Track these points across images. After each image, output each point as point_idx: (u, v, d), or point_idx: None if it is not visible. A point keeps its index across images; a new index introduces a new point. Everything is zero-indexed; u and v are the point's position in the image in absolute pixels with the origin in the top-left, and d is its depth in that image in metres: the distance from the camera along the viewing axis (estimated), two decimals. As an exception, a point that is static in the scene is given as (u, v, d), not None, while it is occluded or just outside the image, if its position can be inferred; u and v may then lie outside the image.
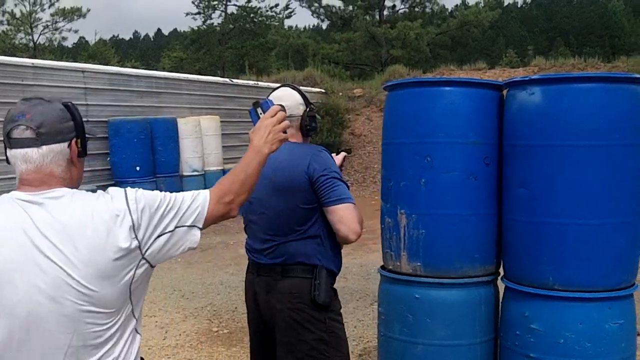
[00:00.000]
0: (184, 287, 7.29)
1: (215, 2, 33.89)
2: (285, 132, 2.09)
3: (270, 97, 2.91)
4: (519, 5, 68.39)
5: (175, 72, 18.22)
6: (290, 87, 2.93)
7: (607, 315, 3.01)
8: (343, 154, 3.59)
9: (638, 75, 3.07)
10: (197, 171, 11.11)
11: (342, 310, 5.84)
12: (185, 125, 11.03)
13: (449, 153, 3.24)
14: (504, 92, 3.36)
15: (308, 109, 2.85)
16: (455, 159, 3.24)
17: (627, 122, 3.00)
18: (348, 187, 2.74)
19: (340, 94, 17.03)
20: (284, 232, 2.72)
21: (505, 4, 62.49)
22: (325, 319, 2.69)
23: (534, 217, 3.06)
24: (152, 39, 79.08)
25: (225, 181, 1.94)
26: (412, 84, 3.44)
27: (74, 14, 33.65)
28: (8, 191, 1.78)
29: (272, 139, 2.04)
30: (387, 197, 3.47)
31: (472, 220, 3.27)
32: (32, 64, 9.50)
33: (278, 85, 3.19)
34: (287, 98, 2.82)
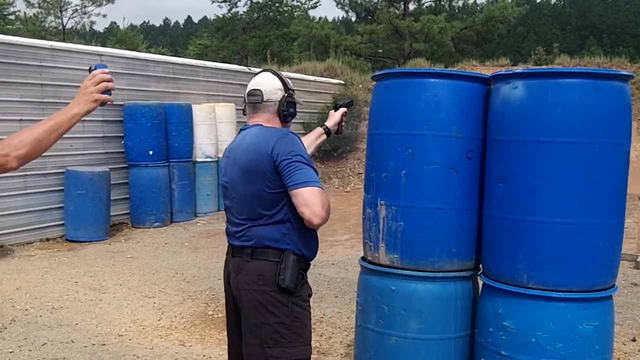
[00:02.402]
0: (186, 271, 7.35)
1: (242, -9, 34.05)
2: (109, 93, 2.15)
3: (250, 82, 2.91)
4: (551, 2, 67.41)
5: (200, 59, 18.26)
6: (271, 72, 2.92)
7: (582, 317, 2.95)
8: (342, 110, 3.51)
9: (624, 72, 3.00)
10: (210, 157, 11.13)
11: (338, 300, 5.84)
12: (200, 112, 11.05)
13: (431, 146, 3.20)
14: (492, 85, 3.31)
15: (287, 95, 2.85)
16: (436, 152, 3.20)
17: (611, 120, 2.94)
18: (316, 171, 2.71)
19: (360, 85, 16.93)
20: (253, 217, 2.73)
21: (538, 0, 61.71)
22: (289, 304, 2.70)
23: (511, 213, 3.02)
24: (182, 26, 79.47)
25: (12, 135, 2.04)
26: (397, 74, 3.40)
27: (103, -1, 33.95)
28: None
29: (85, 100, 2.11)
30: (369, 187, 3.44)
31: (451, 215, 3.23)
32: (50, 46, 9.57)
33: (259, 70, 3.19)
34: (265, 83, 2.85)
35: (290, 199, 2.66)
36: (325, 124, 3.49)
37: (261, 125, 2.83)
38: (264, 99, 2.83)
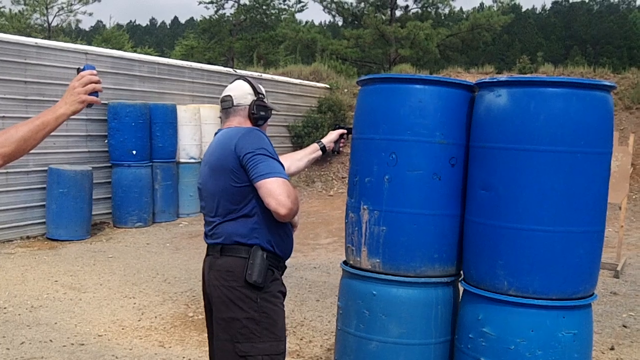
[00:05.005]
0: (167, 272, 7.32)
1: (229, -8, 33.89)
2: (96, 94, 2.18)
3: (225, 89, 2.99)
4: (537, 12, 67.98)
5: (186, 60, 18.22)
6: (243, 80, 3.05)
7: (561, 324, 2.97)
8: (340, 130, 3.59)
9: (607, 82, 3.03)
10: (194, 158, 11.10)
11: (319, 304, 5.83)
12: (185, 113, 11.03)
13: (415, 151, 3.21)
14: (476, 93, 3.33)
15: (257, 99, 2.94)
16: (420, 158, 3.21)
17: (593, 129, 2.96)
18: (282, 164, 2.76)
19: (346, 90, 16.95)
20: (222, 213, 2.79)
21: (524, 9, 62.17)
22: (257, 299, 2.73)
23: (492, 220, 3.03)
24: (168, 27, 79.22)
25: None
26: (383, 79, 3.41)
27: (89, -3, 33.70)
28: None
29: (72, 101, 2.12)
30: (352, 192, 3.45)
31: (433, 220, 3.24)
32: (35, 43, 9.50)
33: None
34: (236, 89, 2.98)
35: (257, 194, 2.71)
36: (322, 140, 3.55)
37: (231, 127, 2.91)
38: (234, 104, 2.94)
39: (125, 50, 20.90)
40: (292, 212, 2.68)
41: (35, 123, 2.06)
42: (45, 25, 34.59)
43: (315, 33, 29.32)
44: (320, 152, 3.52)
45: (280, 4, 33.87)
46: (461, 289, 3.36)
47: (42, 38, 18.33)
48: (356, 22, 30.48)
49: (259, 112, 2.93)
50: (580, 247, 2.98)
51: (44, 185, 9.12)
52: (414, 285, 3.26)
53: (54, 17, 34.93)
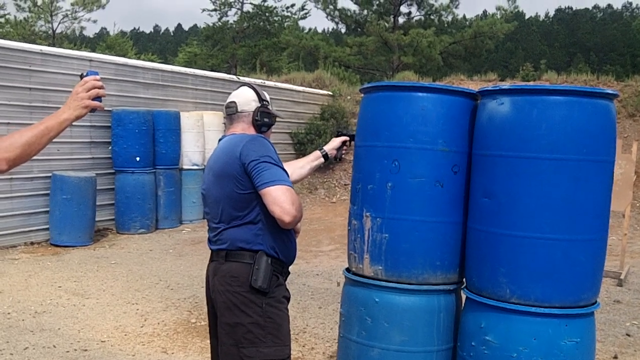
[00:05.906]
0: (170, 278, 7.33)
1: (232, 0, 33.91)
2: (100, 99, 2.20)
3: (230, 96, 3.01)
4: (540, 19, 68.06)
5: (189, 67, 18.25)
6: (248, 86, 3.07)
7: (563, 332, 2.97)
8: (342, 138, 3.60)
9: (609, 91, 3.03)
10: (197, 165, 11.12)
11: (321, 311, 5.83)
12: (188, 119, 11.06)
13: (417, 159, 3.23)
14: (479, 100, 3.34)
15: (260, 105, 2.97)
16: (422, 165, 3.22)
17: (595, 137, 2.97)
18: (286, 172, 2.77)
19: (349, 97, 16.97)
20: (226, 219, 2.81)
21: (527, 17, 62.24)
22: (262, 304, 2.74)
23: (494, 227, 3.04)
24: (172, 34, 79.46)
25: (2, 137, 2.06)
26: (385, 87, 3.42)
27: (93, 4, 33.75)
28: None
29: (76, 106, 2.14)
30: (355, 199, 3.46)
31: (435, 228, 3.25)
32: (40, 50, 9.54)
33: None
34: (240, 95, 3.00)
35: (261, 200, 2.72)
36: (324, 147, 3.57)
37: (235, 134, 2.93)
38: (238, 110, 2.96)
39: (129, 57, 20.99)
40: (296, 219, 2.70)
41: (39, 128, 2.07)
42: (50, 32, 34.70)
43: (318, 40, 29.29)
44: (322, 160, 3.53)
45: (283, 11, 33.92)
46: (463, 297, 3.37)
47: (46, 45, 18.40)
48: (359, 30, 30.47)
49: (262, 119, 2.95)
50: (582, 255, 2.98)
51: (48, 192, 9.14)
52: (416, 293, 3.27)
53: (58, 24, 35.03)
